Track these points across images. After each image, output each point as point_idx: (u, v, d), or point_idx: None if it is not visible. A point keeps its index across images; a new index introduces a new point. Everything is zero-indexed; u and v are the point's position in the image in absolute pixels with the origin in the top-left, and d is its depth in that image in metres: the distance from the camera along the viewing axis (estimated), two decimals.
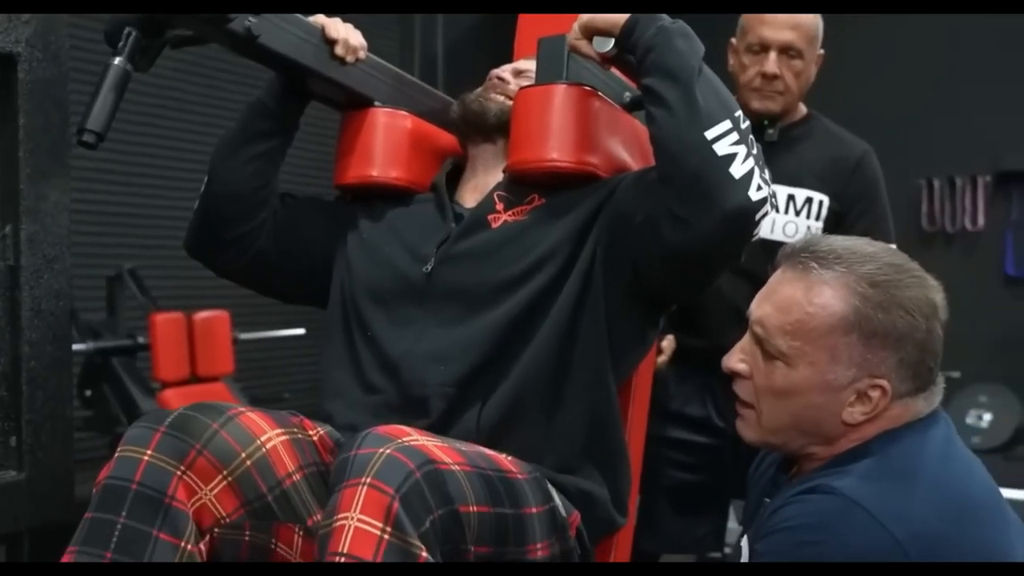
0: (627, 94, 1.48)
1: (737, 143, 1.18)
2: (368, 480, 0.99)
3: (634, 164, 1.43)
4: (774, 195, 1.27)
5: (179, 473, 1.11)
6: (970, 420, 5.30)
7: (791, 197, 1.95)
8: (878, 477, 1.01)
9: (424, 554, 0.99)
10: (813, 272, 1.07)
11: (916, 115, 5.53)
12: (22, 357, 1.19)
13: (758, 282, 2.01)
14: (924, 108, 5.52)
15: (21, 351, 1.19)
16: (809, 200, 1.94)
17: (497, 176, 1.44)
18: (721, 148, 1.16)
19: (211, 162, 1.49)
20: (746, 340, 1.14)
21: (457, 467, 1.08)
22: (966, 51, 5.38)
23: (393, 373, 1.34)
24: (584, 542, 1.34)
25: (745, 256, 1.96)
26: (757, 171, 1.20)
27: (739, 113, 1.24)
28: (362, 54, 1.43)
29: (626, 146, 1.41)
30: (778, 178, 1.93)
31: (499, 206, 1.37)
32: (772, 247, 1.93)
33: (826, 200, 1.96)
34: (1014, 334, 5.28)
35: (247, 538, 1.17)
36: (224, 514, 1.14)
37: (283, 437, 1.21)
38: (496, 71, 1.51)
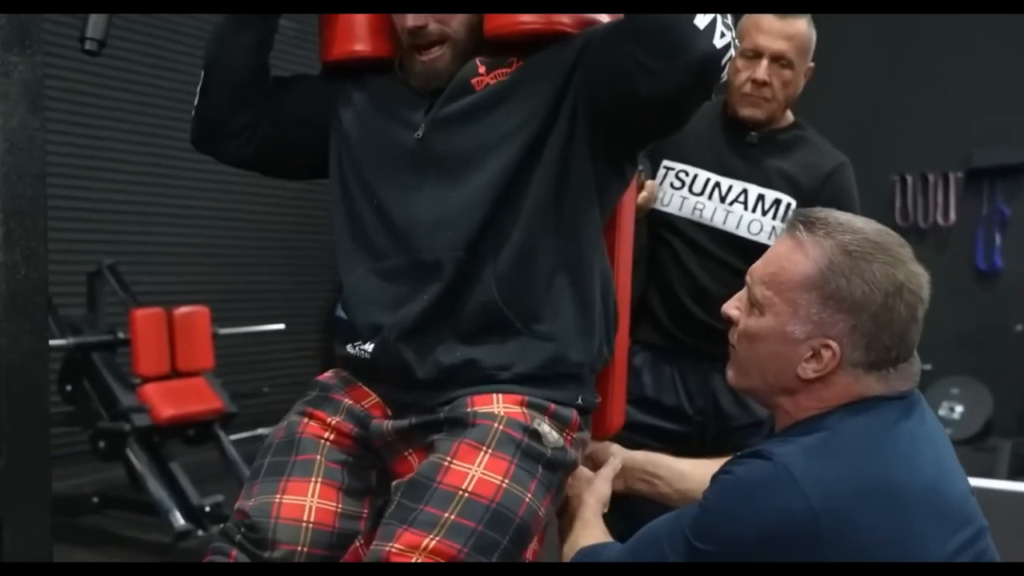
0: None
1: None
2: None
3: (599, 14, 1.46)
4: (735, 40, 1.32)
5: None
6: (943, 412, 5.40)
7: (760, 197, 2.01)
8: (819, 452, 1.09)
9: None
10: (798, 233, 1.16)
11: (889, 112, 5.62)
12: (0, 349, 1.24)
13: (729, 269, 2.10)
14: (897, 105, 5.60)
15: None
16: (777, 201, 2.00)
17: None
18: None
19: (205, 59, 1.51)
20: (743, 290, 1.23)
21: None
22: (939, 49, 5.47)
23: (402, 239, 1.39)
24: (582, 434, 1.42)
25: (715, 246, 2.07)
26: (719, 19, 1.25)
27: None
28: None
29: None
30: (752, 177, 2.00)
31: (481, 69, 1.40)
32: (737, 242, 2.03)
33: (794, 203, 2.00)
34: (985, 328, 5.38)
35: None
36: None
37: (317, 488, 1.36)
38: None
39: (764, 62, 1.97)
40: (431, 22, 1.39)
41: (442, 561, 1.21)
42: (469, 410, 1.32)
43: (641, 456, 1.56)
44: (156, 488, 3.39)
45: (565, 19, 1.39)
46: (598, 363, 1.44)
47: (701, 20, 1.24)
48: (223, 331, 4.00)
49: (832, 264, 1.12)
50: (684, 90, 1.28)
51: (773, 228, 2.00)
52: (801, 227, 1.16)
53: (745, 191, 2.02)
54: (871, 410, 1.13)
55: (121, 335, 3.59)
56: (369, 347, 1.40)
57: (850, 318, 1.11)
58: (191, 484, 3.51)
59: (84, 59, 1.25)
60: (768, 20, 1.98)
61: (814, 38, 2.03)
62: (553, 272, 1.38)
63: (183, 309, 3.72)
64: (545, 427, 1.34)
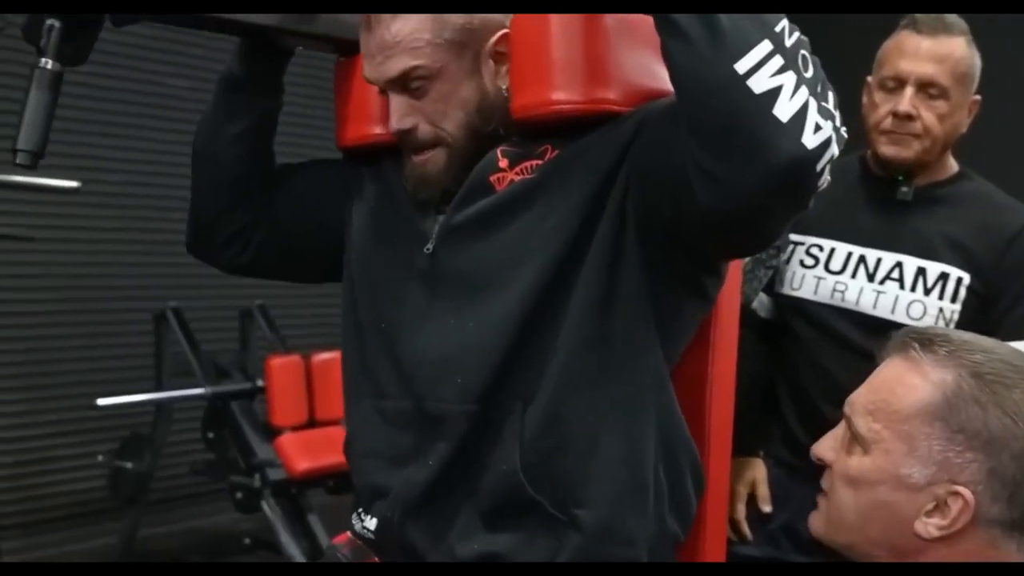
0: None
1: (783, 70, 0.90)
2: None
3: (664, 81, 1.06)
4: (840, 128, 0.95)
5: None
6: None
7: (921, 271, 1.59)
8: None
9: None
10: (912, 353, 0.97)
11: None
12: None
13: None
14: None
15: None
16: (944, 276, 1.58)
17: None
18: (759, 82, 0.89)
19: (192, 152, 1.29)
20: (840, 426, 1.04)
21: None
22: None
23: (406, 380, 1.14)
24: None
25: (861, 337, 1.67)
26: (813, 104, 0.91)
27: (783, 25, 0.93)
28: None
29: (651, 61, 1.07)
30: (908, 247, 1.61)
31: (503, 163, 1.11)
32: (891, 330, 1.62)
33: (966, 278, 1.57)
34: None
35: None
36: None
37: None
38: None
39: (908, 91, 1.56)
40: (421, 123, 1.11)
41: None
42: None
43: None
44: (288, 543, 3.33)
45: (612, 94, 1.06)
46: (664, 545, 1.12)
47: (785, 108, 0.89)
48: None
49: (960, 389, 0.92)
50: (757, 204, 0.93)
51: (940, 311, 1.58)
52: (916, 346, 0.97)
53: (900, 265, 1.61)
54: None
55: (260, 383, 3.55)
56: (372, 524, 1.15)
57: (987, 459, 0.91)
58: (329, 538, 3.43)
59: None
60: (913, 40, 1.57)
61: (977, 63, 1.58)
62: (595, 434, 1.06)
63: (322, 355, 3.63)
64: None
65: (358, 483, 1.19)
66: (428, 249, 1.13)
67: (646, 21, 0.99)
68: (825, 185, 0.95)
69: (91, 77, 3.77)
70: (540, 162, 1.09)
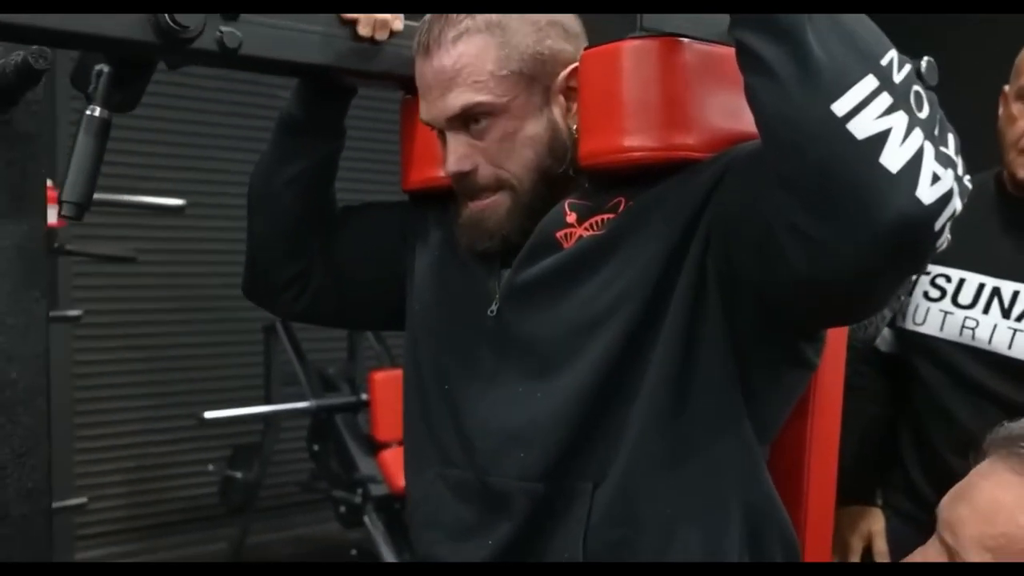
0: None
1: (891, 110, 0.76)
2: None
3: (752, 123, 0.90)
4: (963, 178, 0.82)
5: None
6: None
7: None
8: None
9: None
10: None
11: None
12: None
13: (1013, 412, 1.50)
14: None
15: None
16: None
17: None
18: (862, 126, 0.75)
19: (248, 194, 1.24)
20: (932, 546, 0.87)
21: None
22: None
23: (469, 449, 1.05)
24: None
25: (994, 379, 1.49)
26: (929, 149, 0.77)
27: (891, 57, 0.79)
28: (398, 24, 1.09)
29: (736, 101, 0.91)
30: None
31: (571, 217, 1.00)
32: None
33: None
34: None
35: None
36: None
37: None
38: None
39: None
40: (481, 165, 1.01)
41: None
42: None
43: None
44: (390, 557, 3.29)
45: (690, 139, 0.94)
46: None
47: (895, 156, 0.75)
48: None
49: None
50: (865, 274, 0.79)
51: None
52: None
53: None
54: None
55: (364, 396, 3.54)
56: None
57: None
58: None
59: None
60: None
61: None
62: (670, 523, 0.95)
63: None
64: None
65: (417, 554, 1.11)
66: (492, 311, 1.04)
67: (730, 55, 0.87)
68: (944, 245, 0.80)
69: (200, 91, 3.85)
70: (611, 216, 0.98)
